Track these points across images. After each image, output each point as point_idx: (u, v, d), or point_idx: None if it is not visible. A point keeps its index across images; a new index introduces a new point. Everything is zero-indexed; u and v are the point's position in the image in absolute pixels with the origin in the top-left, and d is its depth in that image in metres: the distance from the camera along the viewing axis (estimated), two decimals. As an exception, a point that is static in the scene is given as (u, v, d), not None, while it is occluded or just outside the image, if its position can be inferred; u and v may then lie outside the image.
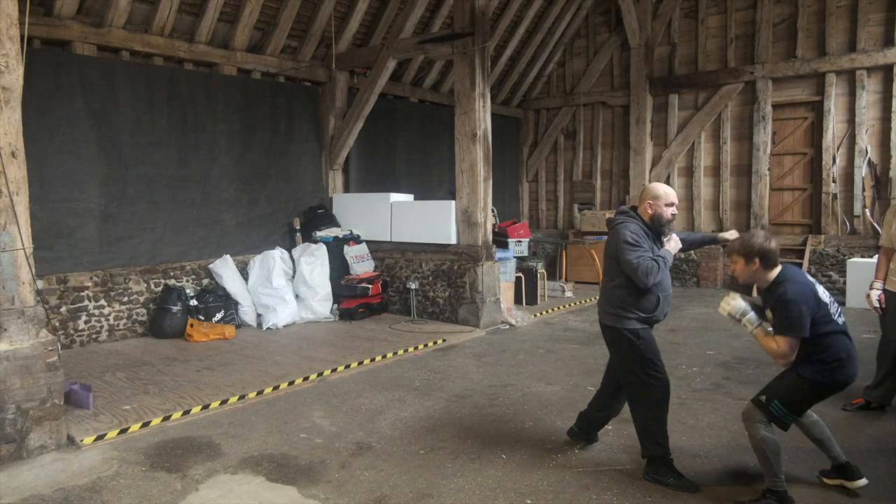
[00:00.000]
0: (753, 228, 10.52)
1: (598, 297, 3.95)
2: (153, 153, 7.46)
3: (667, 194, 3.65)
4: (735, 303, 3.36)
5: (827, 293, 3.32)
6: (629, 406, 3.77)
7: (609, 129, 12.34)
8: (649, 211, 3.65)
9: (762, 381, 3.61)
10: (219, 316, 7.48)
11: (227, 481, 3.71)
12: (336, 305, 8.35)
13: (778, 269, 3.31)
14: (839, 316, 3.29)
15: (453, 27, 7.93)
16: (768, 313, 3.37)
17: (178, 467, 3.90)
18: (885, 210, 8.40)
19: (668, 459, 3.62)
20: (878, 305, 4.64)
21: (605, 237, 3.85)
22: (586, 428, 4.14)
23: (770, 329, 3.33)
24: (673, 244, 3.69)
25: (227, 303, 7.65)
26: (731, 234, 3.89)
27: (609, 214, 11.17)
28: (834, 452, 3.46)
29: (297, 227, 9.01)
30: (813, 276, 9.87)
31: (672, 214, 3.66)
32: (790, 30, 10.16)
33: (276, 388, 5.39)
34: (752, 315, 3.33)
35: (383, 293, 8.62)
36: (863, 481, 3.39)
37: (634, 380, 3.68)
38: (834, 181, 9.85)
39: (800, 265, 9.86)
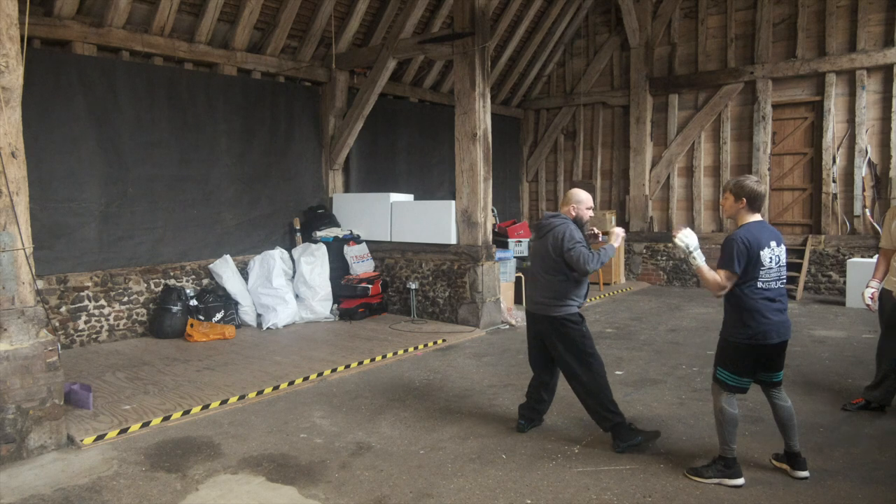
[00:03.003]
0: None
1: (527, 292, 4.39)
2: (153, 153, 7.46)
3: (588, 199, 4.30)
4: (691, 238, 3.68)
5: (776, 261, 3.51)
6: (574, 390, 4.18)
7: (609, 129, 12.34)
8: (573, 213, 4.26)
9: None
10: (219, 316, 7.48)
11: (227, 481, 3.71)
12: (336, 305, 8.35)
13: (755, 218, 3.58)
14: (771, 283, 3.50)
15: (453, 27, 7.93)
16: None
17: (178, 467, 3.90)
18: (885, 210, 8.41)
19: (625, 424, 4.01)
20: (870, 303, 4.68)
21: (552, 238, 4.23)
22: (531, 416, 4.46)
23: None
24: (615, 239, 4.32)
25: (227, 303, 7.65)
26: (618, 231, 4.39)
27: (609, 214, 11.32)
28: (792, 441, 3.65)
29: (297, 227, 9.01)
30: (813, 275, 9.95)
31: (590, 216, 4.32)
32: (790, 30, 10.16)
33: (276, 388, 5.39)
34: (699, 252, 3.67)
35: (383, 293, 8.62)
36: (804, 473, 3.61)
37: (577, 362, 4.10)
38: (834, 181, 9.85)
39: (799, 265, 9.87)
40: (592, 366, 4.10)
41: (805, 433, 4.17)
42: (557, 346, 4.15)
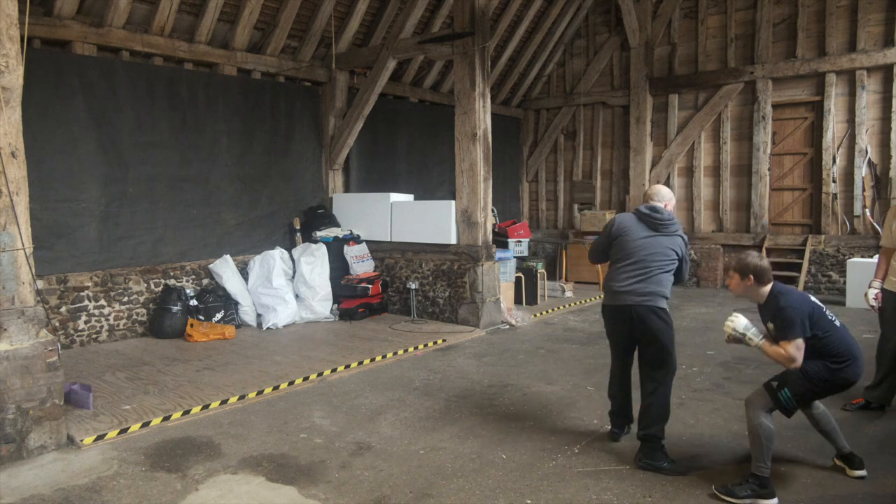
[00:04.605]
0: (754, 228, 10.55)
1: (630, 286, 3.97)
2: (153, 153, 7.46)
3: (672, 196, 4.15)
4: (738, 320, 3.54)
5: (819, 302, 3.56)
6: (657, 387, 3.87)
7: (609, 129, 12.34)
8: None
9: (762, 382, 3.66)
10: (219, 316, 7.48)
11: (227, 481, 3.71)
12: (336, 305, 8.35)
13: (770, 285, 3.54)
14: (836, 319, 3.53)
15: (453, 27, 7.93)
16: (770, 326, 3.53)
17: (178, 467, 3.90)
18: (886, 210, 8.42)
19: (661, 444, 3.80)
20: (874, 304, 4.68)
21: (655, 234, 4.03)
22: (622, 423, 4.28)
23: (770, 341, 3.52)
24: None
25: (227, 303, 7.65)
26: None
27: (609, 214, 11.32)
28: (839, 444, 3.67)
29: (297, 227, 9.01)
30: (813, 275, 9.96)
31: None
32: (790, 30, 10.17)
33: (276, 388, 5.39)
34: (755, 329, 3.52)
35: (383, 293, 8.62)
36: (862, 472, 3.60)
37: (669, 359, 3.89)
38: (834, 181, 9.85)
39: (799, 265, 9.87)
40: (673, 366, 3.95)
41: (805, 433, 4.17)
42: (653, 338, 3.90)
